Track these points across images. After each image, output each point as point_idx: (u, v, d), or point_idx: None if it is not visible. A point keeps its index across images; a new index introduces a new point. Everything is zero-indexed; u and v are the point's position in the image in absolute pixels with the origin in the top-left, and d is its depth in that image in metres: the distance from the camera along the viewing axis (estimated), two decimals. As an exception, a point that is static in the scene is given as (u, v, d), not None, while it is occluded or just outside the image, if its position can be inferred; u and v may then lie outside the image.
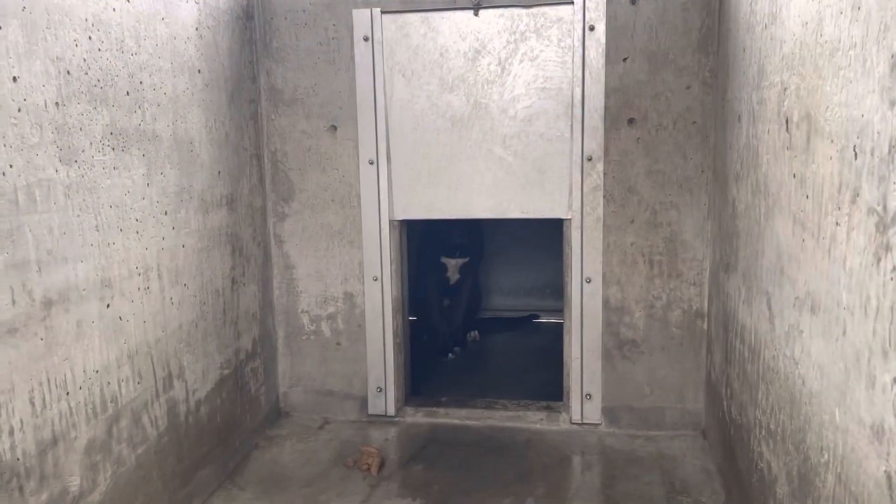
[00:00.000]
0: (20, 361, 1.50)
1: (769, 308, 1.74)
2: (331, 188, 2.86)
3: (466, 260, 3.86)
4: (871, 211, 1.12)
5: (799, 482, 1.49)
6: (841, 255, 1.25)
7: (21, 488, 1.50)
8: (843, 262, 1.24)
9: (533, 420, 2.89)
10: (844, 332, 1.23)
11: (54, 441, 1.61)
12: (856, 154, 1.18)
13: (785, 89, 1.61)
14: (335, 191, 2.86)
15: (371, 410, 2.97)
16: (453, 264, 3.85)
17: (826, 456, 1.32)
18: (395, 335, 2.93)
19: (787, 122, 1.60)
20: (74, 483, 1.67)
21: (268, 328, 2.90)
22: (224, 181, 2.46)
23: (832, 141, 1.30)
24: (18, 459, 1.50)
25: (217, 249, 2.42)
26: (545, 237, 4.53)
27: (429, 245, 3.87)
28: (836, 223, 1.28)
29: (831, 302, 1.30)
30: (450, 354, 3.80)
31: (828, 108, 1.33)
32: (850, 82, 1.22)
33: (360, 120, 2.77)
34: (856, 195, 1.18)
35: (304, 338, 2.99)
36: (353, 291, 2.92)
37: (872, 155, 1.12)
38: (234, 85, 2.54)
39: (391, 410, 2.95)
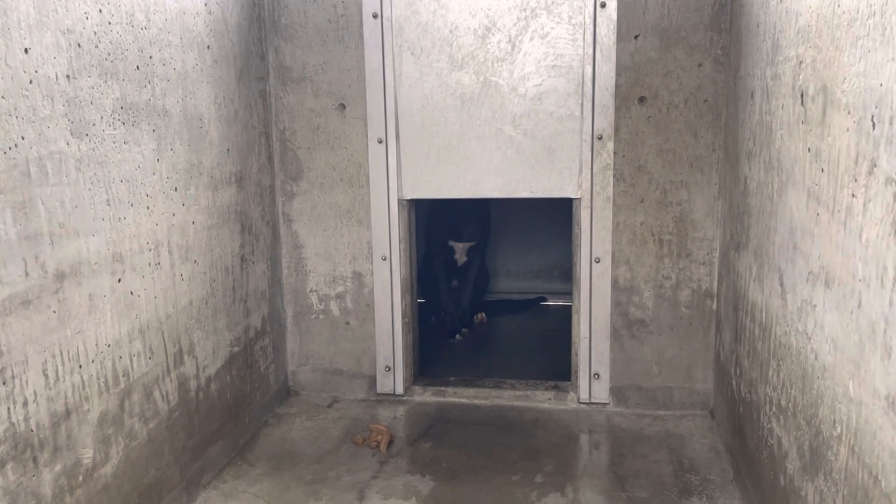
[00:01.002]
0: (33, 333, 1.51)
1: (781, 284, 1.74)
2: (339, 167, 2.85)
3: (474, 243, 3.86)
4: (889, 181, 1.11)
5: (810, 456, 1.49)
6: (857, 226, 1.24)
7: (35, 459, 1.51)
8: (860, 234, 1.23)
9: (541, 399, 2.90)
10: (860, 305, 1.22)
11: (67, 413, 1.62)
12: (874, 124, 1.17)
13: (800, 63, 1.60)
14: (344, 170, 2.85)
15: (379, 389, 2.98)
16: (461, 247, 3.84)
17: (839, 429, 1.32)
18: (404, 315, 2.93)
19: (802, 95, 1.58)
20: (87, 455, 1.69)
21: (276, 307, 2.91)
22: (233, 159, 2.46)
23: (849, 112, 1.29)
24: (32, 431, 1.51)
25: (226, 227, 2.42)
26: (553, 220, 4.53)
27: (436, 228, 3.87)
28: (853, 195, 1.26)
29: (846, 274, 1.29)
30: (457, 336, 3.81)
31: (845, 79, 1.31)
32: (869, 52, 1.20)
33: (368, 98, 2.76)
34: (873, 166, 1.17)
35: (312, 317, 3.00)
36: (361, 271, 2.92)
37: (891, 124, 1.10)
38: (242, 62, 2.53)
39: (399, 389, 2.97)
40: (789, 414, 1.65)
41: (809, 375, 1.51)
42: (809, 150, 1.52)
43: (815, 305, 1.48)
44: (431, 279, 3.93)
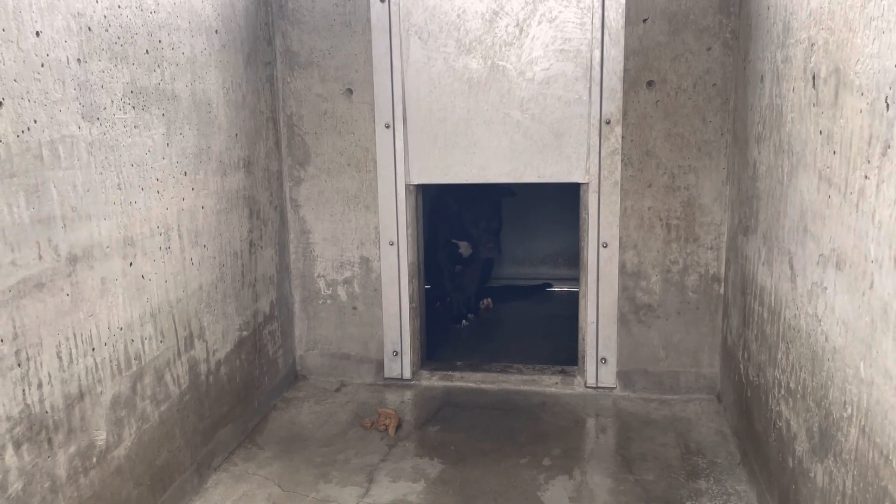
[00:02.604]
0: (47, 316, 1.52)
1: (791, 267, 1.74)
2: (346, 152, 2.85)
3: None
4: (903, 162, 1.11)
5: (820, 437, 1.50)
6: (870, 208, 1.24)
7: (50, 440, 1.53)
8: (872, 216, 1.23)
9: (548, 384, 2.91)
10: (872, 286, 1.23)
11: (81, 395, 1.63)
12: (888, 105, 1.17)
13: (812, 45, 1.59)
14: (351, 155, 2.85)
15: (387, 374, 3.00)
16: (465, 245, 3.80)
17: (849, 410, 1.33)
18: (411, 300, 2.94)
19: (813, 78, 1.58)
20: (101, 437, 1.70)
21: (285, 292, 2.92)
22: (241, 144, 2.46)
23: (862, 94, 1.29)
24: (47, 412, 1.52)
25: (235, 212, 2.42)
26: (558, 206, 4.52)
27: (441, 223, 3.80)
28: (865, 177, 1.26)
29: (858, 256, 1.29)
30: (463, 321, 3.82)
31: (858, 60, 1.31)
32: (883, 33, 1.20)
33: (375, 83, 2.76)
34: (887, 147, 1.17)
35: (320, 302, 3.01)
36: (369, 256, 2.93)
37: (906, 105, 1.10)
38: (250, 46, 2.53)
39: (407, 374, 2.98)
40: (798, 396, 1.66)
41: (819, 357, 1.51)
42: (821, 132, 1.52)
43: (825, 288, 1.48)
44: (436, 266, 3.92)
